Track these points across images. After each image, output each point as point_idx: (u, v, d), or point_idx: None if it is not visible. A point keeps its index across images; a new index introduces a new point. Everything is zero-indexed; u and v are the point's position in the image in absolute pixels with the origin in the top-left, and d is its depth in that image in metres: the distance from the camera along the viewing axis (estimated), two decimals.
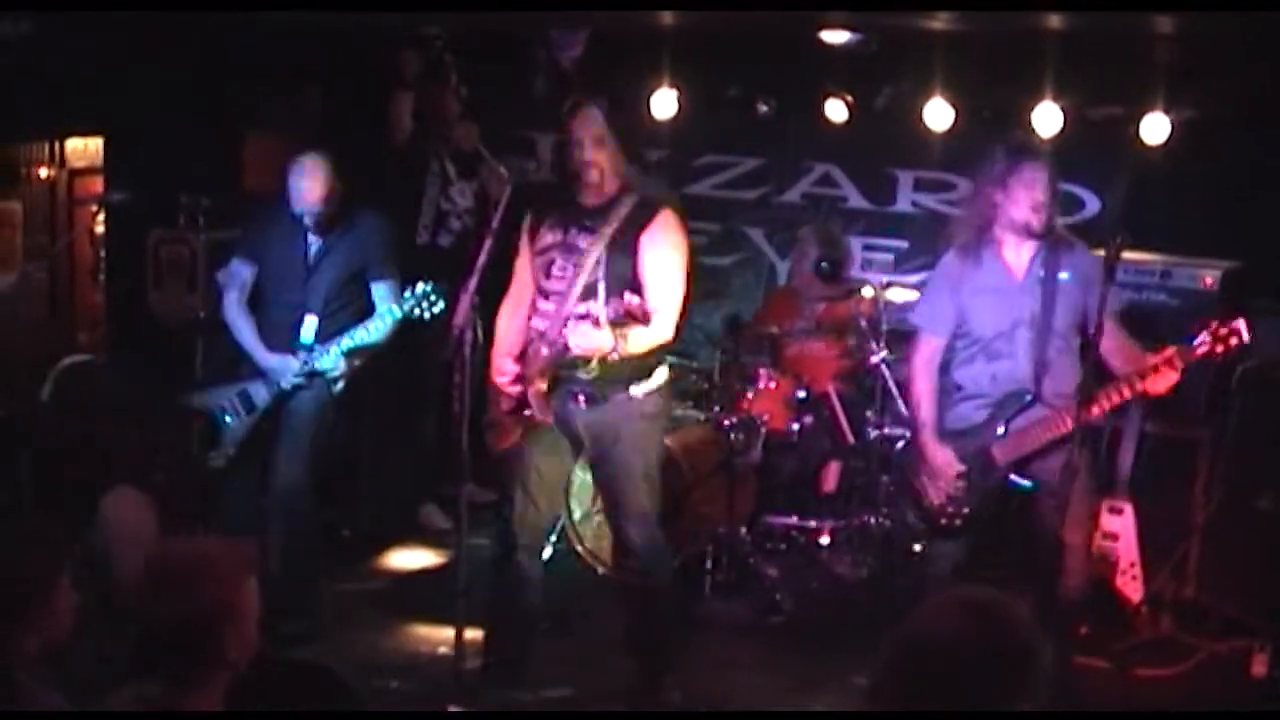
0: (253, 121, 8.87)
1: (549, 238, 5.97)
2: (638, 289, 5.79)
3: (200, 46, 7.96)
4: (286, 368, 6.93)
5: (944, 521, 6.18)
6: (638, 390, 5.97)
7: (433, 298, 6.63)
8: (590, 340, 5.70)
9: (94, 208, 9.17)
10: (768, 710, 6.67)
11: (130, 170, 8.54)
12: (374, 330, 6.83)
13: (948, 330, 6.24)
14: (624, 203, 5.87)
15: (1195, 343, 5.77)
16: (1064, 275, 6.03)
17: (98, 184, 9.15)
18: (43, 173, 9.15)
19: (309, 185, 6.87)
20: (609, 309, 5.59)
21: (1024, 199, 5.98)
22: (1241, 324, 5.69)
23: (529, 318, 6.02)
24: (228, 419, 7.03)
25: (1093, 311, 5.86)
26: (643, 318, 5.60)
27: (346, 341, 6.84)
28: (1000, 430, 6.06)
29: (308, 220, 6.93)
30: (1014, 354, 6.08)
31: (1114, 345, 5.87)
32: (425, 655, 6.95)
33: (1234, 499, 7.27)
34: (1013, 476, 6.08)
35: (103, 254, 9.42)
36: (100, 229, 9.32)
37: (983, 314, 6.15)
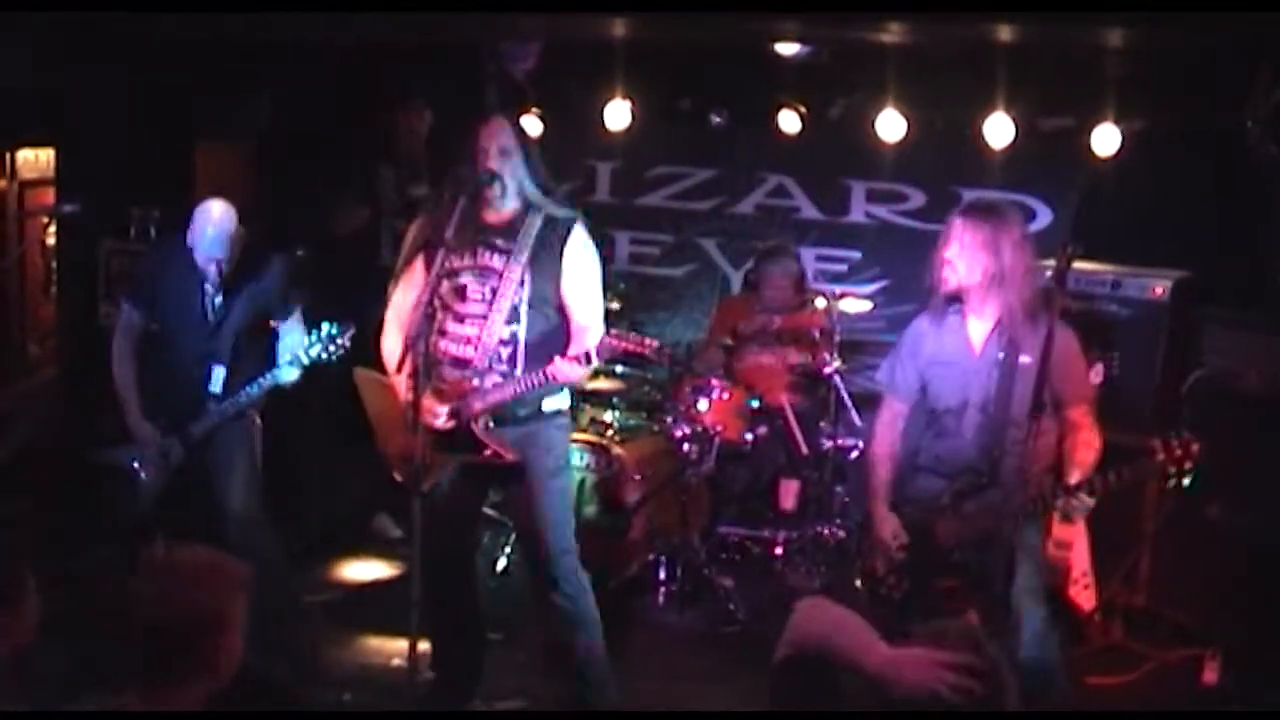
0: (204, 133, 8.83)
1: (455, 260, 5.72)
2: (560, 308, 5.73)
3: (152, 57, 7.92)
4: (149, 443, 6.71)
5: (882, 591, 5.90)
6: (550, 406, 5.85)
7: (338, 340, 6.41)
8: (575, 376, 5.60)
9: (45, 219, 9.12)
10: (753, 712, 6.68)
11: (82, 182, 8.49)
12: (283, 375, 6.56)
13: (910, 395, 6.01)
14: (532, 221, 5.71)
15: (1152, 454, 5.38)
16: (1025, 359, 5.65)
17: (49, 196, 9.09)
18: None
19: (215, 237, 6.53)
20: (600, 351, 5.45)
21: (941, 256, 5.76)
22: (1197, 448, 5.37)
23: (432, 341, 5.75)
24: (142, 475, 6.78)
25: (1054, 395, 5.58)
26: (651, 352, 5.49)
27: (254, 390, 6.60)
28: (949, 509, 5.78)
29: (210, 269, 6.58)
30: (960, 434, 5.81)
31: (1079, 446, 5.67)
32: (379, 667, 6.92)
33: (1184, 508, 7.30)
34: (956, 558, 5.77)
35: (54, 266, 9.36)
36: (51, 241, 9.27)
37: (938, 385, 5.90)
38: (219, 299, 6.69)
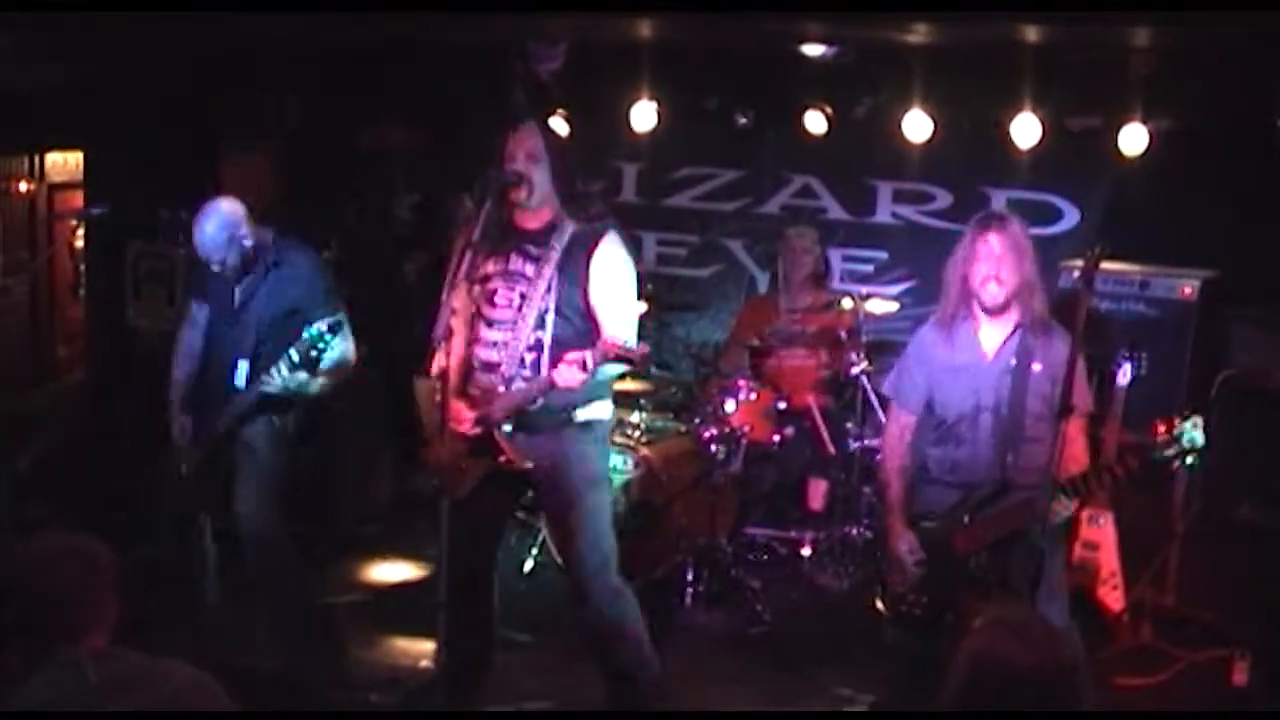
0: (232, 134, 8.86)
1: (489, 265, 5.76)
2: (588, 314, 5.70)
3: (179, 59, 7.95)
4: (184, 435, 6.73)
5: (904, 608, 5.89)
6: (583, 416, 5.81)
7: (327, 338, 6.22)
8: (574, 381, 5.44)
9: (74, 222, 9.16)
10: (761, 711, 6.68)
11: (110, 184, 8.53)
12: (278, 379, 6.39)
13: (918, 405, 5.96)
14: (565, 227, 5.72)
15: (1155, 440, 5.31)
16: (1037, 366, 5.66)
17: (77, 198, 9.14)
18: (22, 187, 9.13)
19: (213, 237, 6.50)
20: (594, 354, 5.34)
21: (978, 271, 5.70)
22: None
23: (468, 347, 5.80)
24: (183, 467, 6.79)
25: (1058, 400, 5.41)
26: (637, 358, 5.45)
27: (260, 389, 6.45)
28: (965, 519, 5.72)
29: (214, 267, 6.57)
30: (975, 440, 5.76)
31: (1069, 450, 5.52)
32: (405, 668, 6.94)
33: (1212, 508, 7.28)
34: (974, 566, 5.72)
35: (82, 268, 9.41)
36: (80, 243, 9.31)
37: (948, 394, 5.86)
38: (240, 289, 6.63)
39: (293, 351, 6.28)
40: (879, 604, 6.02)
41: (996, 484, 5.68)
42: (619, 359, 5.43)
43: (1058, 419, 5.31)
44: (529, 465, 5.71)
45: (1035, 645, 3.29)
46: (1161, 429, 5.25)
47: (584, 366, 5.39)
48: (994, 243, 5.68)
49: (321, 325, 6.24)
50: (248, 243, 6.56)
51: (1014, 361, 5.70)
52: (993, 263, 5.67)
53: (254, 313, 6.63)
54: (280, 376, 6.37)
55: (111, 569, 3.67)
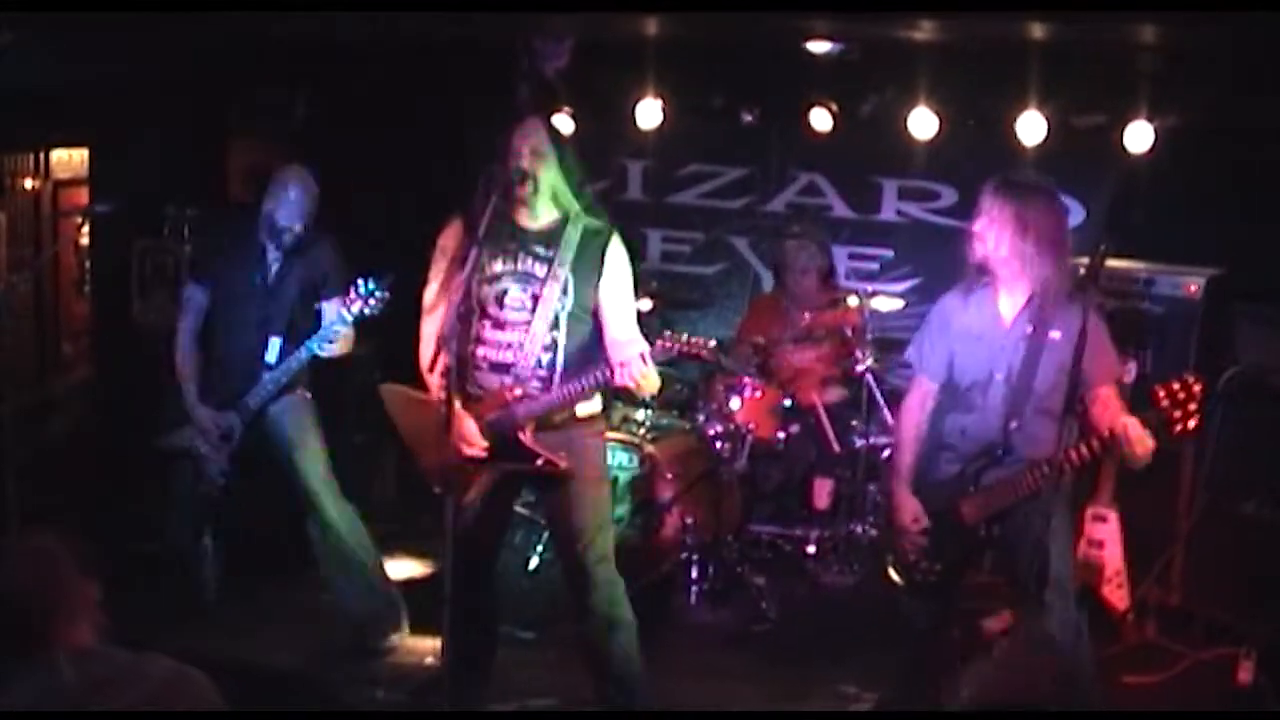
0: (237, 132, 8.85)
1: (498, 265, 5.73)
2: (595, 315, 5.73)
3: (185, 57, 7.94)
4: (208, 425, 6.83)
5: (918, 577, 5.90)
6: (584, 411, 5.83)
7: (377, 293, 6.44)
8: (651, 380, 5.55)
9: (79, 219, 9.15)
10: (763, 712, 6.67)
11: (115, 181, 8.53)
12: (331, 343, 6.66)
13: (940, 373, 5.94)
14: (573, 230, 5.72)
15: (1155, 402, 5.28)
16: (1055, 334, 5.62)
17: (83, 195, 9.12)
18: (27, 184, 9.11)
19: (297, 199, 6.77)
20: (656, 349, 5.46)
21: (972, 227, 5.76)
22: (1200, 388, 5.23)
23: (469, 346, 5.76)
24: (204, 452, 6.87)
25: (1084, 375, 5.31)
26: (706, 352, 5.51)
27: (303, 355, 6.68)
28: (970, 487, 5.74)
29: (286, 237, 6.77)
30: (985, 408, 5.76)
31: (1109, 413, 5.53)
32: (411, 664, 6.94)
33: (1218, 505, 7.27)
34: (983, 535, 5.75)
35: (88, 265, 9.40)
36: (85, 240, 9.31)
37: (965, 360, 5.86)
38: (276, 266, 6.83)
39: (346, 311, 6.50)
40: (892, 573, 6.02)
41: (999, 449, 5.69)
42: (683, 356, 5.55)
43: (1069, 393, 5.29)
44: (564, 464, 5.72)
45: (1040, 688, 3.30)
46: (1162, 394, 5.24)
47: (643, 362, 5.47)
48: (986, 203, 5.72)
49: (368, 284, 6.47)
50: (319, 205, 6.87)
51: (1030, 329, 5.70)
52: (981, 221, 5.72)
53: (290, 290, 6.81)
54: (338, 335, 6.62)
55: (70, 562, 3.63)
